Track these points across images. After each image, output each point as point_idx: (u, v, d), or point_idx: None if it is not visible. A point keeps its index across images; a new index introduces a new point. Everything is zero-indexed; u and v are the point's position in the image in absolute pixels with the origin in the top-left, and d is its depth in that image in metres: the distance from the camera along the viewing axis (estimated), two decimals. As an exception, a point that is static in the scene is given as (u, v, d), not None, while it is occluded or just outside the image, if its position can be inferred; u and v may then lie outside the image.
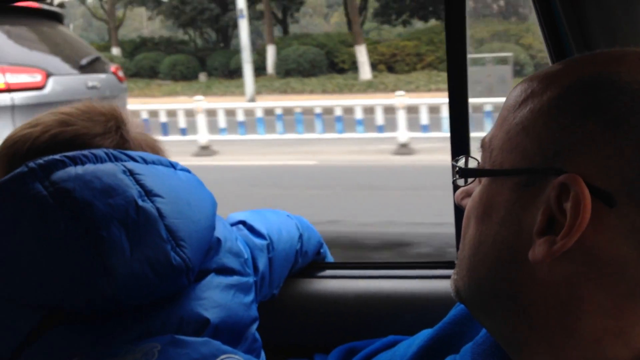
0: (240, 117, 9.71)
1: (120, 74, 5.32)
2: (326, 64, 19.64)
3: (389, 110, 9.04)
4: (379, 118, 9.07)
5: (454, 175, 0.73)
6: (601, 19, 1.05)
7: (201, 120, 9.46)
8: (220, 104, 10.63)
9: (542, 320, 0.59)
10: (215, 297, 0.91)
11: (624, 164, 0.54)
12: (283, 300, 1.28)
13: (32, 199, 0.81)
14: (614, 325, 0.56)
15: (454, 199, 0.80)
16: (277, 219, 1.32)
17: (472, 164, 0.74)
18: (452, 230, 1.40)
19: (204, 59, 22.24)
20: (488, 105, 8.40)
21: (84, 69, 4.64)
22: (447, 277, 1.05)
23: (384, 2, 22.40)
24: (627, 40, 1.04)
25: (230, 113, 9.87)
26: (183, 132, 9.88)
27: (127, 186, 0.85)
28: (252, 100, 14.71)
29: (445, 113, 8.41)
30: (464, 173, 0.71)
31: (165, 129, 9.93)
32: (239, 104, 10.46)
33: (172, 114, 10.04)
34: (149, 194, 0.87)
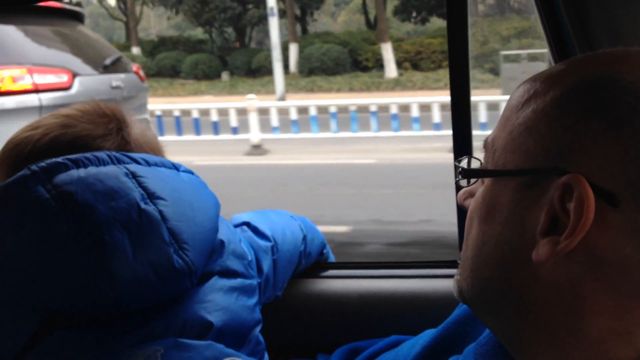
0: (294, 115, 9.64)
1: (142, 73, 5.32)
2: (349, 62, 19.63)
3: (446, 108, 8.92)
4: (436, 115, 8.97)
5: (456, 176, 0.73)
6: (604, 19, 1.05)
7: (253, 119, 9.36)
8: (273, 102, 10.65)
9: (545, 321, 0.59)
10: (218, 300, 0.91)
11: (628, 163, 0.54)
12: (285, 301, 1.27)
13: (35, 202, 0.80)
14: (618, 325, 0.56)
15: (456, 199, 0.80)
16: (281, 220, 1.31)
17: (475, 164, 0.74)
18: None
19: (224, 57, 22.30)
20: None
21: (108, 69, 4.64)
22: (450, 276, 1.06)
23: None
24: (630, 40, 1.03)
25: (283, 112, 9.81)
26: (234, 130, 9.82)
27: (129, 189, 0.85)
28: (282, 98, 14.59)
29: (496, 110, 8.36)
30: (466, 173, 0.71)
31: (216, 127, 9.87)
32: (292, 102, 10.33)
33: (223, 112, 9.96)
34: (151, 196, 0.86)
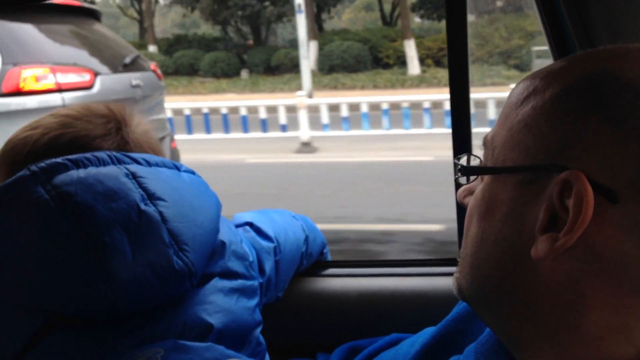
0: (345, 112, 9.58)
1: (159, 71, 5.30)
2: (370, 59, 19.58)
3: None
4: (491, 112, 8.93)
5: (456, 174, 0.73)
6: (604, 16, 1.05)
7: (303, 116, 9.32)
8: (323, 99, 10.56)
9: (545, 318, 0.59)
10: (219, 302, 0.90)
11: (627, 160, 0.54)
12: (285, 299, 1.27)
13: (34, 203, 0.80)
14: (618, 321, 0.56)
15: (456, 197, 0.80)
16: (283, 220, 1.30)
17: (475, 162, 0.74)
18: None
19: (240, 55, 22.30)
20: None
21: (127, 68, 4.59)
22: (450, 274, 1.05)
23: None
24: (630, 37, 1.03)
25: (333, 108, 9.78)
26: (283, 128, 9.85)
27: (129, 190, 0.84)
28: (310, 96, 14.33)
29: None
30: (466, 171, 0.71)
31: (264, 125, 9.89)
32: (342, 99, 10.27)
33: (272, 110, 9.98)
34: (151, 197, 0.86)
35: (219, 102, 11.04)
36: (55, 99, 3.85)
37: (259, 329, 0.97)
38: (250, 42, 24.70)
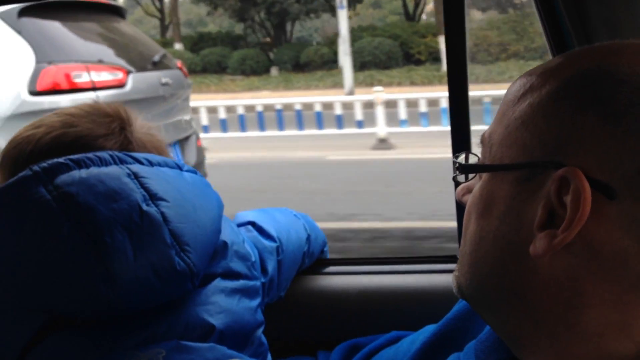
0: (423, 108, 9.31)
1: (184, 69, 5.27)
2: (401, 55, 19.44)
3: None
4: None
5: (454, 172, 0.73)
6: (602, 12, 1.04)
7: (380, 112, 9.06)
8: (401, 94, 10.23)
9: (544, 315, 0.59)
10: (220, 302, 0.90)
11: (625, 156, 0.53)
12: (285, 297, 1.27)
13: (36, 203, 0.80)
14: (617, 318, 0.56)
15: (455, 195, 0.80)
16: (285, 219, 1.30)
17: (473, 160, 0.74)
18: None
19: (266, 52, 22.16)
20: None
21: (156, 66, 4.54)
22: (450, 271, 1.05)
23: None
24: (629, 34, 1.02)
25: (411, 104, 9.52)
26: (359, 124, 9.62)
27: (131, 190, 0.84)
28: (352, 93, 14.16)
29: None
30: (464, 169, 0.71)
31: (340, 121, 9.71)
32: (420, 94, 9.91)
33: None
34: (153, 197, 0.85)
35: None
36: (89, 98, 3.73)
37: (260, 329, 0.97)
38: (268, 39, 24.54)
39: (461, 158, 0.75)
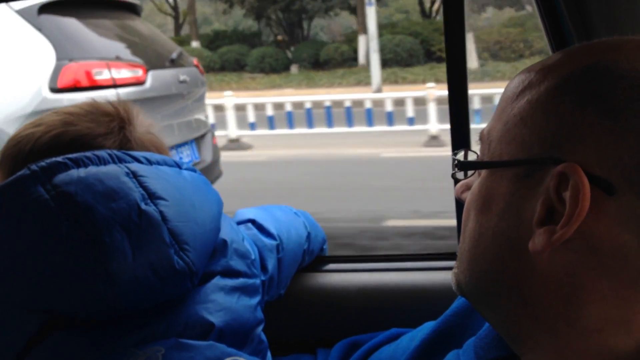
0: (477, 104, 9.11)
1: (201, 67, 5.24)
2: (422, 53, 19.34)
3: None
4: None
5: (453, 169, 0.73)
6: (602, 8, 1.04)
7: (431, 109, 8.91)
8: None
9: (544, 312, 0.59)
10: (220, 301, 0.90)
11: (624, 152, 0.53)
12: (285, 295, 1.27)
13: (34, 203, 0.79)
14: (617, 314, 0.56)
15: (454, 192, 0.80)
16: (285, 217, 1.29)
17: (472, 157, 0.74)
18: None
19: (284, 50, 22.02)
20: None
21: (174, 63, 4.53)
22: (449, 268, 1.04)
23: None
24: (629, 31, 1.02)
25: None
26: (411, 121, 9.49)
27: (129, 189, 0.83)
28: (379, 90, 13.97)
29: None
30: (463, 166, 0.71)
31: (390, 118, 9.55)
32: (474, 91, 9.28)
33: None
34: (152, 196, 0.85)
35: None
36: (109, 95, 3.74)
37: (260, 327, 0.97)
38: (280, 37, 24.42)
39: (460, 155, 0.75)
